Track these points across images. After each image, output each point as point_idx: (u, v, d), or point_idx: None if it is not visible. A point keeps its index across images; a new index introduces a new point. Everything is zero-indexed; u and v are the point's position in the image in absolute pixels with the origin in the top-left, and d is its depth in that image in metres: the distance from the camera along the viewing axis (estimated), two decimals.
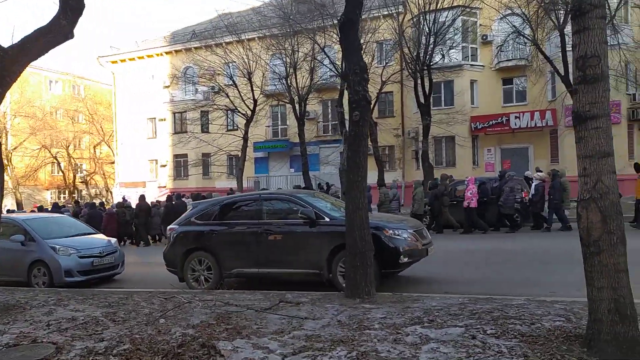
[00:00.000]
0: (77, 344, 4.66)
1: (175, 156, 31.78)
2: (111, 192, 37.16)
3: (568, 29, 18.34)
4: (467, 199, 13.83)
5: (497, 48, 22.30)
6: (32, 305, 6.58)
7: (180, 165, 31.92)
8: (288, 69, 22.03)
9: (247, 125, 23.34)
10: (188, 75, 29.22)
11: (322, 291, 6.74)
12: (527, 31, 18.95)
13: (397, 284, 7.42)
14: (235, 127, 27.37)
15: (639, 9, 20.57)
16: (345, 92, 21.20)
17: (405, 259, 6.91)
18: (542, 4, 17.23)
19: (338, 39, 20.15)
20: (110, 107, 36.16)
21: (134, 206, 18.06)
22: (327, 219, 7.33)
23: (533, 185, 13.56)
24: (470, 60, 24.03)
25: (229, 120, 28.54)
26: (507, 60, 23.56)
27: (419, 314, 5.04)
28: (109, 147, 39.30)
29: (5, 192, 7.01)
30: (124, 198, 21.86)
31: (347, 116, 21.21)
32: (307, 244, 7.33)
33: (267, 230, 7.63)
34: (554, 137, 22.98)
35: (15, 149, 35.86)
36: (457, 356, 3.81)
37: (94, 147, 42.02)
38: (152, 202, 18.76)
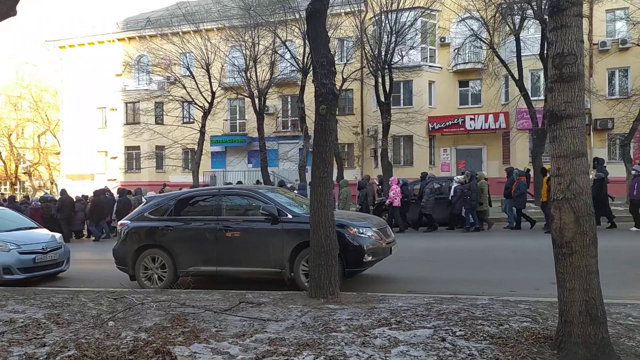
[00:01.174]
0: (14, 350, 4.21)
1: (127, 148, 30.46)
2: (56, 185, 35.21)
3: (523, 34, 18.97)
4: (390, 198, 14.55)
5: (454, 50, 22.78)
6: None
7: (132, 157, 30.61)
8: (248, 61, 21.56)
9: (204, 118, 22.67)
10: (142, 64, 28.10)
11: (284, 291, 6.52)
12: (484, 35, 19.43)
13: (358, 283, 7.29)
14: (192, 120, 26.53)
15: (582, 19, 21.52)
16: (306, 88, 21.05)
17: (370, 258, 6.79)
18: (500, 9, 17.70)
19: (300, 33, 20.10)
20: (57, 94, 34.20)
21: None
22: (289, 216, 7.09)
23: (452, 187, 14.27)
24: (428, 61, 24.41)
25: (185, 112, 27.61)
26: (463, 62, 24.12)
27: (385, 314, 4.90)
28: (55, 136, 37.22)
29: None
30: (45, 192, 20.74)
31: (307, 112, 21.11)
32: (269, 242, 7.06)
33: (227, 226, 7.30)
34: (506, 139, 23.74)
35: None
36: None
37: (39, 136, 39.67)
38: (76, 197, 17.83)
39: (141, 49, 28.31)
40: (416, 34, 21.09)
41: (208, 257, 7.38)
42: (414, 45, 21.08)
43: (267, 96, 22.55)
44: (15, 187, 38.26)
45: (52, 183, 38.38)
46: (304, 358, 3.81)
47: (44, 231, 10.09)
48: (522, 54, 18.64)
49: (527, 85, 19.92)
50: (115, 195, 17.24)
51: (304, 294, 6.18)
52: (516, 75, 18.63)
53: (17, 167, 39.36)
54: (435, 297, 5.79)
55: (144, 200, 9.65)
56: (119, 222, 8.58)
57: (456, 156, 24.88)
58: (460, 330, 4.29)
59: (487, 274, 7.74)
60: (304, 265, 6.79)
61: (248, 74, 21.62)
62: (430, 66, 24.33)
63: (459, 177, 14.60)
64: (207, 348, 4.13)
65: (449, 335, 4.20)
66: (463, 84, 25.07)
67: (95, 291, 6.96)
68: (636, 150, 21.18)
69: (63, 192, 17.19)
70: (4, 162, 38.58)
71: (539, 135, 17.92)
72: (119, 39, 30.30)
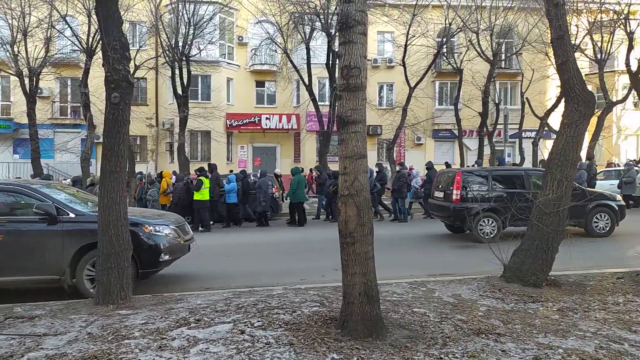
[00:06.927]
0: None
1: None
2: None
3: (313, 43, 20.59)
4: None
5: (251, 50, 23.45)
6: None
7: None
8: (15, 34, 18.18)
9: None
10: None
11: (64, 300, 5.75)
12: (279, 39, 20.48)
13: (155, 285, 6.92)
14: None
15: None
16: (91, 71, 18.83)
17: (167, 257, 6.48)
18: (292, 17, 18.89)
19: (84, 10, 17.87)
20: None
21: None
22: (71, 215, 6.27)
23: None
24: (227, 58, 24.53)
25: None
26: (260, 63, 25.00)
27: (184, 314, 4.77)
28: None
29: None
30: None
31: (92, 99, 18.93)
32: (44, 245, 6.11)
33: None
34: (297, 139, 25.53)
35: None
36: (227, 354, 3.74)
37: None
38: None
39: None
40: (215, 29, 20.92)
41: None
42: (213, 40, 20.89)
43: (40, 77, 19.41)
44: None
45: None
46: None
47: None
48: (311, 62, 20.26)
49: (315, 91, 21.73)
50: None
51: (89, 301, 5.56)
52: (306, 81, 20.16)
53: None
54: (234, 291, 5.89)
55: None
56: None
57: (253, 153, 25.66)
58: (258, 321, 4.47)
59: (286, 265, 8.23)
60: (89, 269, 6.11)
61: (16, 49, 18.24)
62: (228, 63, 24.47)
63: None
64: None
65: (248, 327, 4.33)
66: (260, 84, 25.97)
67: None
68: (397, 153, 25.22)
69: None
70: None
71: (325, 137, 19.78)
72: None
